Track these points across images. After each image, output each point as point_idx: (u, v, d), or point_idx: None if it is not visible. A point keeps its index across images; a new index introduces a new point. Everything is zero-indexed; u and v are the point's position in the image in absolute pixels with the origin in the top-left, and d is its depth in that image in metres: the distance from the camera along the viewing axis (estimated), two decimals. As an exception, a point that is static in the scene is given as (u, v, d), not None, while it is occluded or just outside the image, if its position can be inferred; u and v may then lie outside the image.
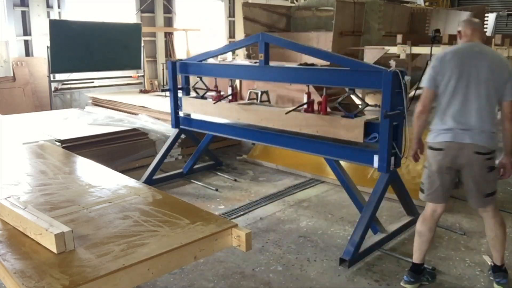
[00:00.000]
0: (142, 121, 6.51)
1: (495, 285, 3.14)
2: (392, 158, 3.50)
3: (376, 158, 3.51)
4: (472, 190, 2.99)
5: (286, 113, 4.05)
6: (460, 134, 2.88)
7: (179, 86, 5.26)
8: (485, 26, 13.38)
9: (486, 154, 2.88)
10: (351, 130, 3.63)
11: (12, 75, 8.47)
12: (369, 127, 3.56)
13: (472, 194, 3.01)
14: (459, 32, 3.08)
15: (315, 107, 4.07)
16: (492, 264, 3.20)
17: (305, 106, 4.07)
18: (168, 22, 11.39)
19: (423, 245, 3.13)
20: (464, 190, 3.07)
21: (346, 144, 3.72)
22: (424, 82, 2.99)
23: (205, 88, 5.15)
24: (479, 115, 2.87)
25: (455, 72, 2.89)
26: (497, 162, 2.99)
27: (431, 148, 3.01)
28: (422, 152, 3.19)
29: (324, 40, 8.60)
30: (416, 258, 3.16)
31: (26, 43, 8.86)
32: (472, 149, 2.87)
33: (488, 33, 14.20)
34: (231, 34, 12.84)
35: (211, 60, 5.33)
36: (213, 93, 5.04)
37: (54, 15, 9.08)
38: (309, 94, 4.08)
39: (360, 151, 3.67)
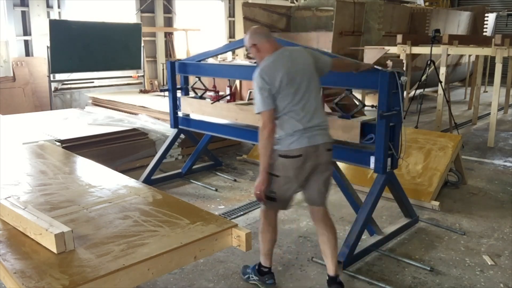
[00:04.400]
0: (142, 121, 6.52)
1: None
2: (389, 159, 3.47)
3: (372, 159, 3.49)
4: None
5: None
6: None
7: (178, 86, 5.26)
8: (485, 26, 13.36)
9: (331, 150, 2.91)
10: (347, 130, 3.61)
11: (12, 75, 8.47)
12: (366, 128, 3.54)
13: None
14: (254, 46, 2.90)
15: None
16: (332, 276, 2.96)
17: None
18: (168, 22, 11.39)
19: (272, 247, 3.06)
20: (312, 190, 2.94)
21: (343, 144, 3.70)
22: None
23: (204, 88, 5.15)
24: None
25: (285, 83, 2.74)
26: None
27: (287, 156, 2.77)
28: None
29: (324, 40, 8.59)
30: (269, 262, 3.07)
31: (26, 43, 8.86)
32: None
33: (488, 33, 14.18)
34: (231, 34, 12.84)
35: (211, 60, 5.31)
36: (212, 93, 5.04)
37: (54, 15, 9.07)
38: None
39: (357, 152, 3.64)
